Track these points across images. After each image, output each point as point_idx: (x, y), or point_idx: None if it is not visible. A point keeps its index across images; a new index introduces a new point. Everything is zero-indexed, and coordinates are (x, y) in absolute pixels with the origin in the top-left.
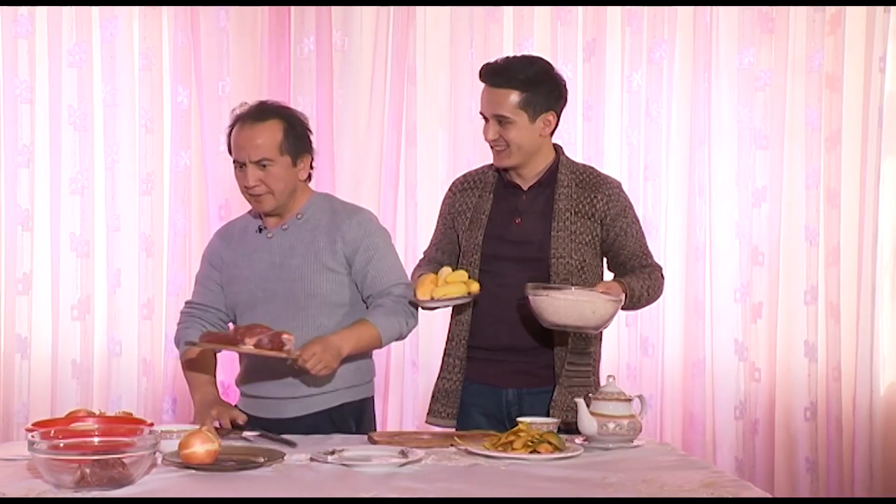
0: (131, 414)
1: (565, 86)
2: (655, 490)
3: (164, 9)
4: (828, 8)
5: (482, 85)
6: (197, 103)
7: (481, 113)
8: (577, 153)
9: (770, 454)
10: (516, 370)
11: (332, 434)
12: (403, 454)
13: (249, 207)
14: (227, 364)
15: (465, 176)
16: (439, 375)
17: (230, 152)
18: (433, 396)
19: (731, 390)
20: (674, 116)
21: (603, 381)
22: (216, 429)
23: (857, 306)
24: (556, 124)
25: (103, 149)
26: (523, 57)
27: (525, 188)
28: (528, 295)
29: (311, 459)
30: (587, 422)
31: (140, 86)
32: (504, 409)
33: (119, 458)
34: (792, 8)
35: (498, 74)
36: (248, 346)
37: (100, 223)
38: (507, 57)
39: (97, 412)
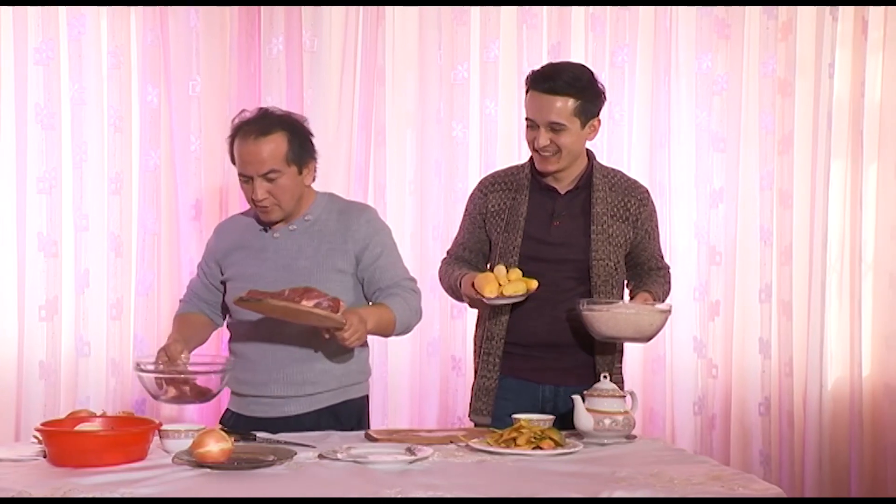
0: (133, 414)
1: (605, 92)
2: (666, 483)
3: (133, 8)
4: (780, 16)
5: (448, 86)
6: (167, 102)
7: (529, 119)
8: None
9: (726, 448)
10: (555, 367)
11: (331, 431)
12: (410, 451)
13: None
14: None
15: (493, 176)
16: (478, 374)
17: (233, 162)
18: (474, 394)
19: (689, 386)
20: (635, 119)
21: None
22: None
23: (808, 304)
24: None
25: (71, 147)
26: (570, 63)
27: (562, 192)
28: (581, 310)
29: (320, 457)
30: (584, 418)
31: (109, 84)
32: (540, 405)
33: (217, 373)
34: (746, 15)
35: (554, 81)
36: (308, 305)
37: (67, 223)
38: (554, 64)
39: (98, 413)
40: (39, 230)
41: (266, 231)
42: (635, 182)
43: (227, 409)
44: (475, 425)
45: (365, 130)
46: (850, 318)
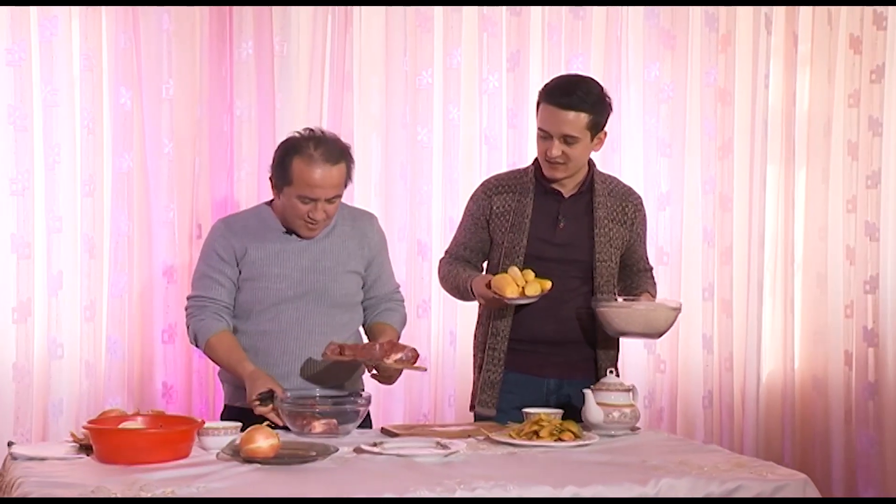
0: (164, 412)
1: (612, 105)
2: (698, 470)
3: (104, 10)
4: (720, 28)
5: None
6: (139, 105)
7: (543, 129)
8: (501, 159)
9: None
10: (558, 362)
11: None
12: (441, 445)
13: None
14: (173, 365)
15: (497, 178)
16: (484, 368)
17: (286, 183)
18: (480, 387)
19: (640, 381)
20: None
21: None
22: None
23: (746, 302)
24: (604, 141)
25: (43, 149)
26: (583, 78)
27: (566, 195)
28: (596, 306)
29: (357, 451)
30: (594, 411)
31: (81, 86)
32: (544, 398)
33: (355, 411)
34: (689, 27)
35: (569, 97)
36: (391, 361)
37: (40, 224)
38: (568, 78)
39: (130, 412)
40: (12, 232)
41: (290, 234)
42: (630, 188)
43: (227, 407)
44: (476, 417)
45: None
46: (783, 314)
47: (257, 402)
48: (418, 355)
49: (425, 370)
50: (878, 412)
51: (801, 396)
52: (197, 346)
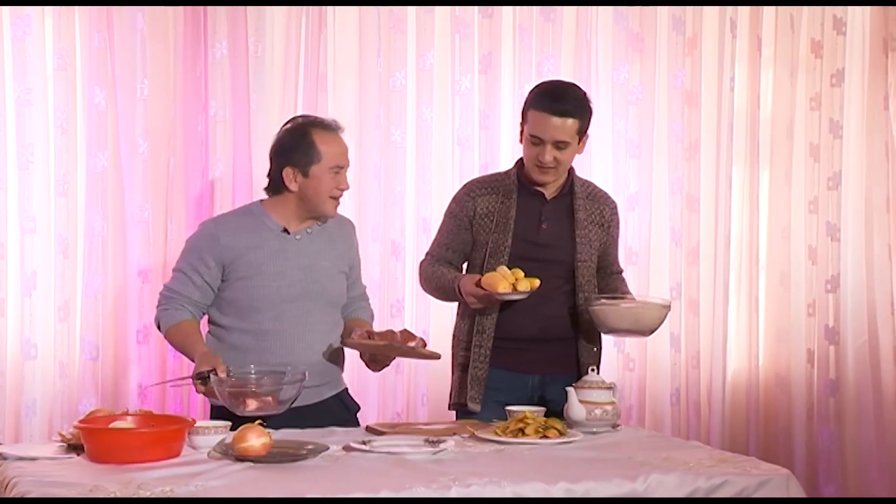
0: (152, 412)
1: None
2: (683, 466)
3: (77, 9)
4: (686, 31)
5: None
6: (113, 105)
7: (535, 136)
8: (473, 160)
9: None
10: (541, 358)
11: (340, 417)
12: (430, 443)
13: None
14: (148, 365)
15: (479, 181)
16: (471, 364)
17: (314, 161)
18: (468, 384)
19: (609, 379)
20: None
21: None
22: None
23: (712, 301)
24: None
25: (16, 149)
26: (570, 85)
27: (548, 198)
28: (589, 305)
29: (347, 449)
30: (576, 409)
31: (55, 86)
32: (528, 394)
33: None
34: (657, 30)
35: (562, 104)
36: (411, 345)
37: (13, 224)
38: (557, 85)
39: (118, 412)
40: None
41: (288, 233)
42: (606, 193)
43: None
44: (458, 414)
45: None
46: (748, 313)
47: (198, 382)
48: (426, 344)
49: (440, 357)
50: (839, 409)
51: (765, 393)
52: (161, 332)
